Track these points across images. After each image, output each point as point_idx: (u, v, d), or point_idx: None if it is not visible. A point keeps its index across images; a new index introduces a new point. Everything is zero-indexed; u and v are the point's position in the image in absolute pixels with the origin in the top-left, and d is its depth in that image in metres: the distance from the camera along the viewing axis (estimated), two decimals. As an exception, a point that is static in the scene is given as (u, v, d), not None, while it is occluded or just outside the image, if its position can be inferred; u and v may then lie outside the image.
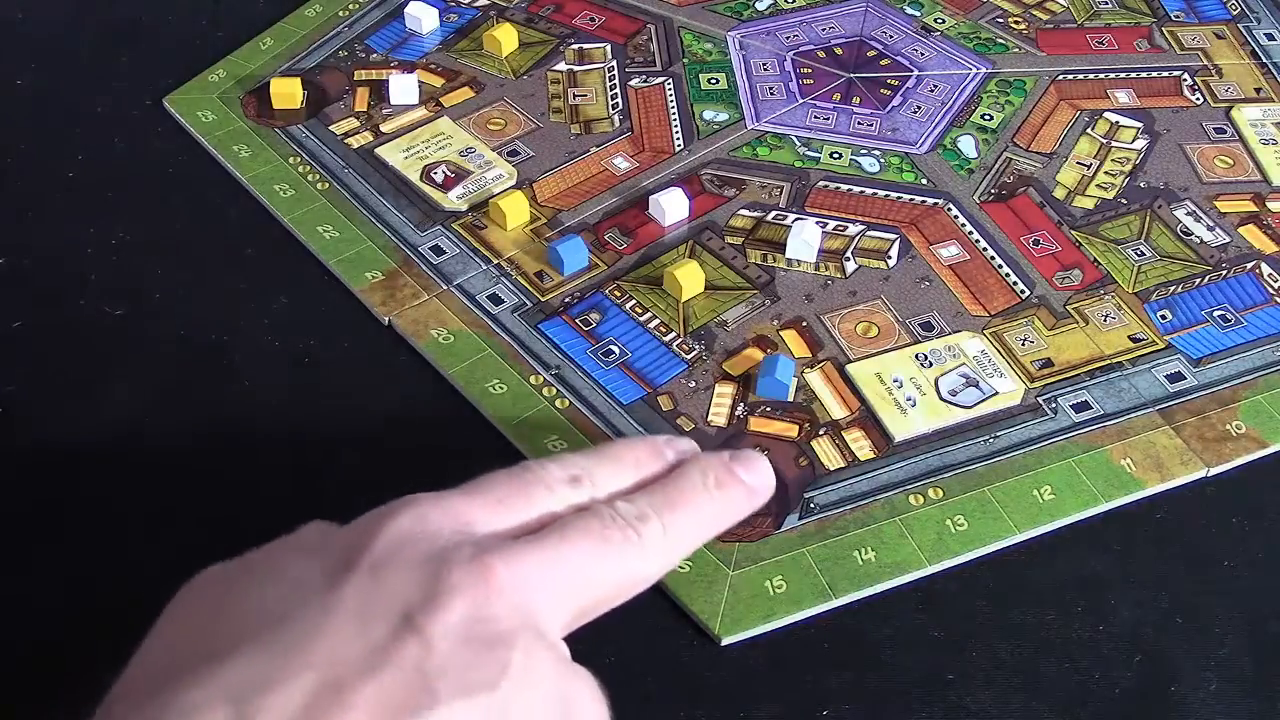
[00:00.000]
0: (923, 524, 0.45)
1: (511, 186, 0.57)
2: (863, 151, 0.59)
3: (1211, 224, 0.56)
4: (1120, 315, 0.52)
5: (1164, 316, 0.52)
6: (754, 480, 0.41)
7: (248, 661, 0.30)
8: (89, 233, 0.54)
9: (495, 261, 0.53)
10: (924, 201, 0.57)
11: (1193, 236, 0.56)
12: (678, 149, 0.59)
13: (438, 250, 0.54)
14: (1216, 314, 0.52)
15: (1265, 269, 0.54)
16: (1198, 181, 0.58)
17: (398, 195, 0.56)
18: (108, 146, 0.58)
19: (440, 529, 0.34)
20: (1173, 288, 0.53)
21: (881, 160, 0.59)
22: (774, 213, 0.56)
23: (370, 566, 0.33)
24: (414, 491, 0.46)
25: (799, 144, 0.59)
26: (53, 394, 0.48)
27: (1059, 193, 0.57)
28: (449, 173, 0.57)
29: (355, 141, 0.59)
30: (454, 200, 0.56)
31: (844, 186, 0.57)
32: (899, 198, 0.57)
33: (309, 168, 0.57)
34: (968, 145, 0.60)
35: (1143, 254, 0.55)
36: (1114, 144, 0.60)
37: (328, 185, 0.56)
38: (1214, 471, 0.47)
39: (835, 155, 0.59)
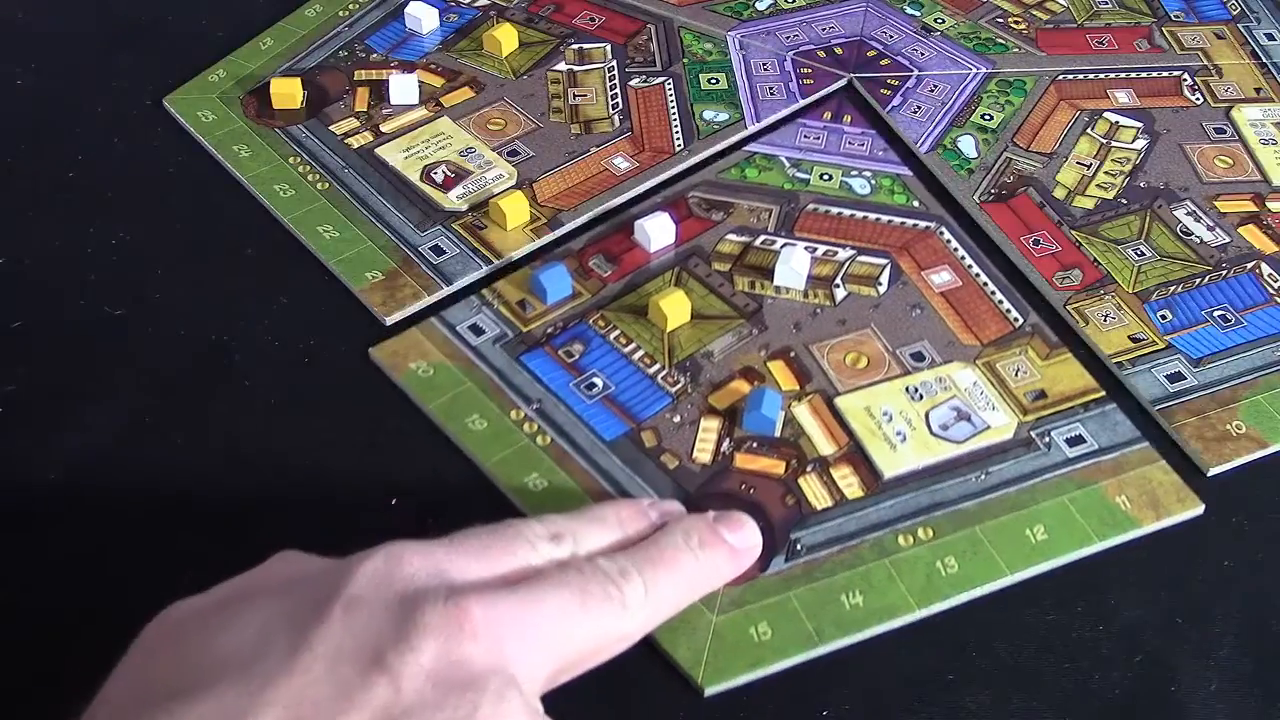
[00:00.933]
0: (912, 566, 0.44)
1: (511, 186, 0.57)
2: (853, 173, 0.58)
3: (1211, 224, 0.56)
4: (1120, 315, 0.52)
5: (1164, 316, 0.52)
6: (738, 541, 0.41)
7: (216, 699, 0.30)
8: (89, 233, 0.54)
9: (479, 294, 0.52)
10: (916, 225, 0.56)
11: (1193, 236, 0.56)
12: (678, 149, 0.59)
13: (438, 250, 0.54)
14: (1216, 314, 0.52)
15: (1265, 269, 0.54)
16: (1198, 181, 0.58)
17: (398, 195, 0.56)
18: (108, 146, 0.58)
19: (417, 571, 0.34)
20: (1173, 288, 0.53)
21: (873, 182, 0.58)
22: (762, 237, 0.55)
23: (344, 606, 0.32)
24: (412, 493, 0.46)
25: (788, 165, 0.58)
26: (53, 394, 0.48)
27: (1059, 193, 0.57)
28: (449, 173, 0.57)
29: (355, 141, 0.59)
30: (454, 200, 0.56)
31: (834, 209, 0.56)
32: (890, 221, 0.56)
33: (309, 168, 0.57)
34: (968, 145, 0.60)
35: (1143, 254, 0.55)
36: (1114, 144, 0.60)
37: (328, 185, 0.56)
38: (1214, 471, 0.47)
39: (825, 177, 0.58)
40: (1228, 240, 0.55)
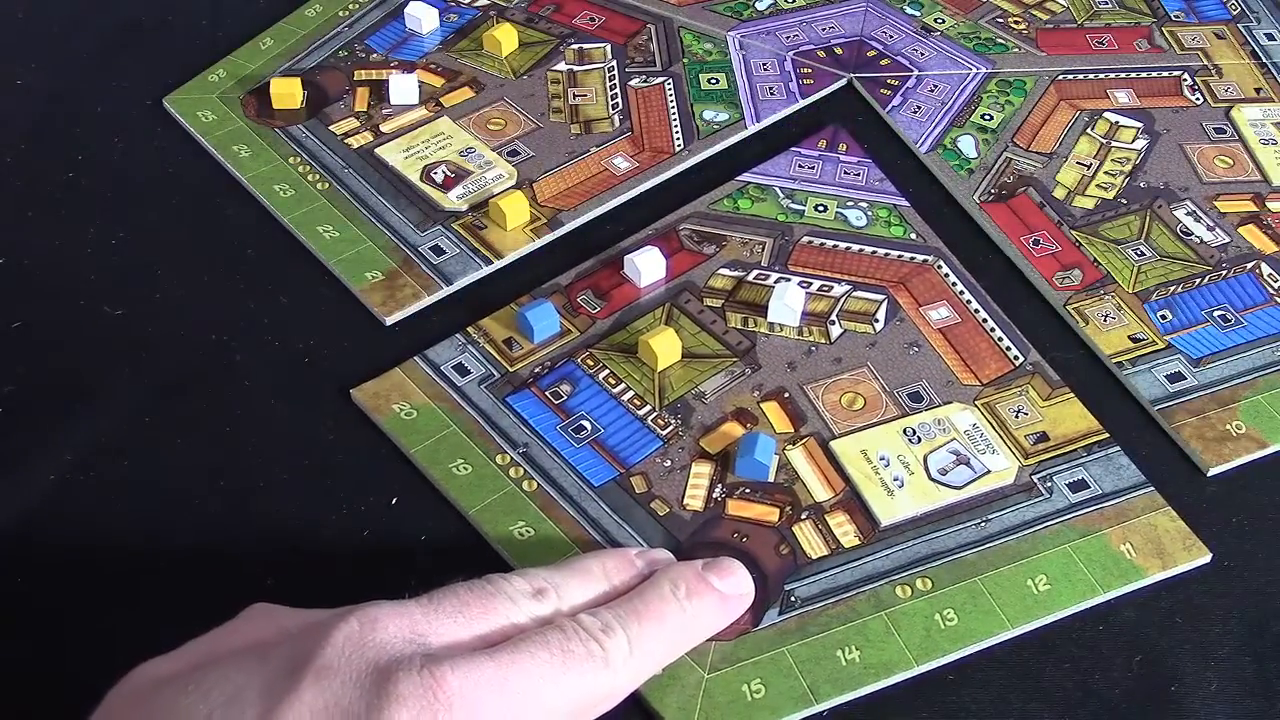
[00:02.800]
0: (910, 619, 0.42)
1: (511, 186, 0.57)
2: (849, 203, 0.57)
3: (1211, 224, 0.56)
4: (1120, 315, 0.52)
5: (1164, 316, 0.52)
6: (728, 588, 0.40)
7: None
8: (89, 233, 0.54)
9: (466, 332, 0.51)
10: (913, 258, 0.54)
11: (1193, 236, 0.56)
12: (678, 149, 0.59)
13: (438, 250, 0.54)
14: (1216, 314, 0.52)
15: (1265, 269, 0.54)
16: (1198, 181, 0.58)
17: (398, 195, 0.56)
18: (108, 146, 0.58)
19: (393, 637, 0.33)
20: (1173, 288, 0.53)
21: (869, 213, 0.56)
22: (755, 272, 0.53)
23: (315, 674, 0.31)
24: (414, 501, 0.46)
25: (782, 195, 0.57)
26: (53, 394, 0.48)
27: (1059, 193, 0.57)
28: (449, 173, 0.57)
29: (355, 141, 0.59)
30: (454, 200, 0.56)
31: (829, 242, 0.55)
32: (887, 254, 0.54)
33: (309, 168, 0.57)
34: (968, 145, 0.60)
35: (1143, 254, 0.55)
36: (1114, 144, 0.60)
37: (328, 185, 0.56)
38: (1214, 472, 0.47)
39: (820, 208, 0.56)
40: (1228, 240, 0.55)
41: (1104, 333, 0.51)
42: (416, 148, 0.58)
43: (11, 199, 0.56)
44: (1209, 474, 0.47)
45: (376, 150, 0.58)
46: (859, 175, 0.58)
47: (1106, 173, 0.58)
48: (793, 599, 0.43)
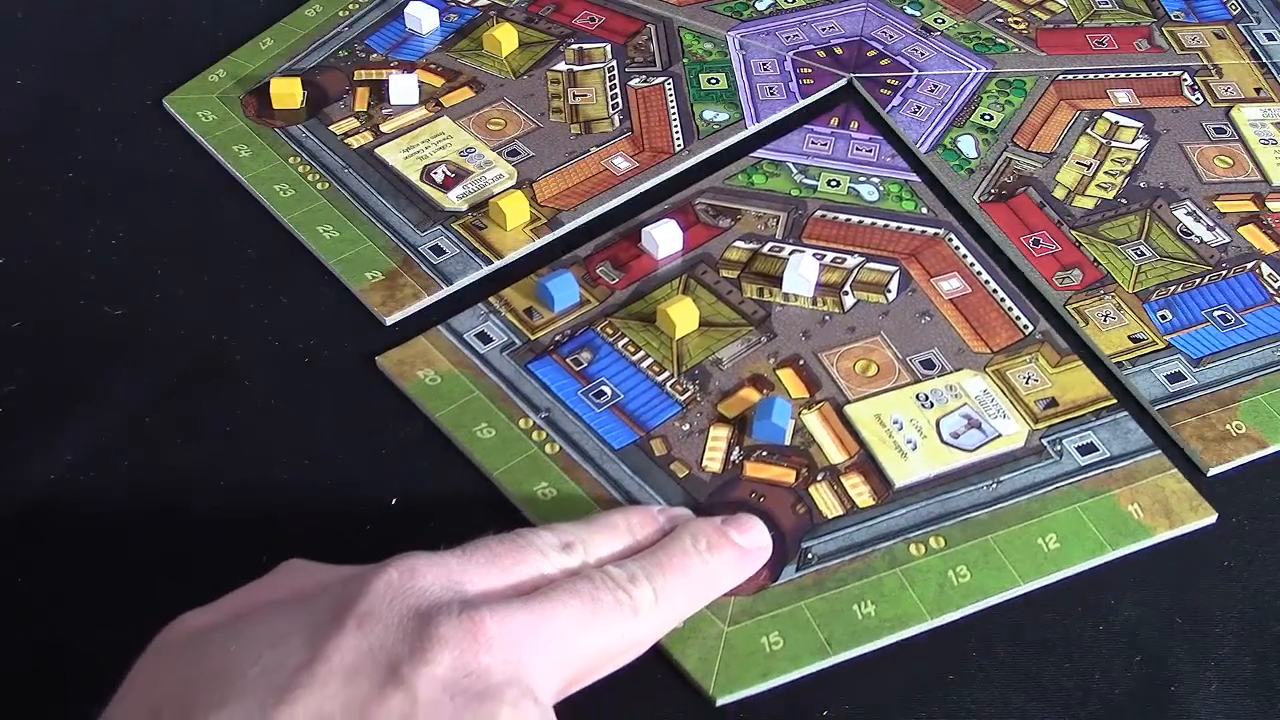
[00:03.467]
0: (924, 575, 0.43)
1: (511, 186, 0.57)
2: (861, 179, 0.58)
3: (1211, 224, 0.56)
4: (1120, 315, 0.52)
5: (1164, 316, 0.52)
6: (747, 541, 0.41)
7: (231, 713, 0.30)
8: (89, 233, 0.54)
9: (488, 300, 0.52)
10: (924, 231, 0.55)
11: (1193, 236, 0.56)
12: (678, 149, 0.59)
13: (438, 250, 0.54)
14: (1216, 314, 0.52)
15: (1265, 269, 0.54)
16: (1198, 181, 0.58)
17: (398, 195, 0.56)
18: (108, 146, 0.58)
19: (431, 584, 0.34)
20: (1173, 288, 0.53)
21: (880, 188, 0.57)
22: (770, 244, 0.54)
23: (358, 619, 0.32)
24: (415, 497, 0.46)
25: (795, 171, 0.58)
26: (53, 394, 0.48)
27: (1059, 193, 0.57)
28: (449, 173, 0.57)
29: (355, 141, 0.59)
30: (454, 200, 0.56)
31: (842, 216, 0.56)
32: (899, 228, 0.56)
33: (309, 168, 0.57)
34: (968, 145, 0.60)
35: (1143, 254, 0.55)
36: (1114, 144, 0.60)
37: (328, 185, 0.56)
38: (1214, 471, 0.47)
39: (833, 183, 0.57)
40: (1228, 240, 0.55)
41: (1104, 333, 0.51)
42: (416, 148, 0.58)
43: (11, 199, 0.56)
44: (1209, 474, 0.47)
45: (376, 150, 0.58)
46: (870, 151, 0.59)
47: (1106, 173, 0.59)
48: (810, 556, 0.44)
